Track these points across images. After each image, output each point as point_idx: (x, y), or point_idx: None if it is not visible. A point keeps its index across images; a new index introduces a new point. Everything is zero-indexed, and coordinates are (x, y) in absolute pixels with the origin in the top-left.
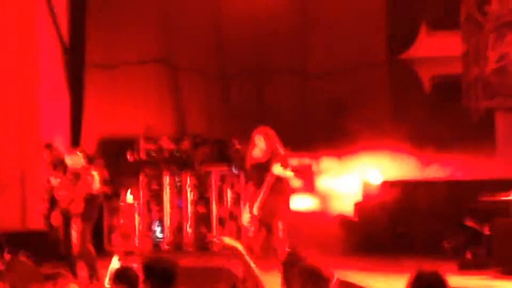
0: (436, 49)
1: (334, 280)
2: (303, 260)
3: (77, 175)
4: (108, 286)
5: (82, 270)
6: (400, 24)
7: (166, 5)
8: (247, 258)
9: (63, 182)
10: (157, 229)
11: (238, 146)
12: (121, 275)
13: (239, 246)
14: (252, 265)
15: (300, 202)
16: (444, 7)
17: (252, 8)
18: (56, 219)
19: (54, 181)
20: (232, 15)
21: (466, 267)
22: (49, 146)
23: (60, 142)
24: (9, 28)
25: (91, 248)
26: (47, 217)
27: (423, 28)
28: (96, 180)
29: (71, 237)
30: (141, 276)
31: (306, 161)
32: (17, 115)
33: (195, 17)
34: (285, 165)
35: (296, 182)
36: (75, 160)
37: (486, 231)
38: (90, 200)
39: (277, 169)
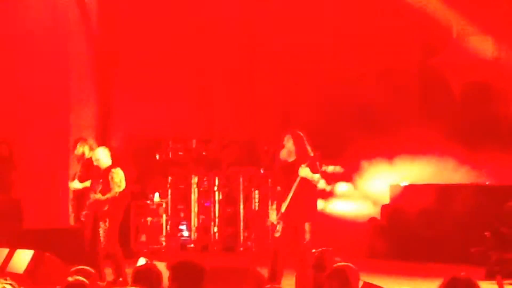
0: (467, 55)
1: (360, 284)
2: (331, 262)
3: (104, 174)
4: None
5: (108, 269)
6: (432, 29)
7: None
8: None
9: (91, 182)
10: (184, 229)
11: (266, 148)
12: (143, 274)
13: None
14: None
15: (329, 205)
16: (476, 12)
17: (284, 14)
18: (84, 218)
19: (80, 184)
20: (263, 20)
21: (493, 274)
22: (81, 142)
23: (91, 140)
24: (41, 28)
25: (118, 247)
26: (75, 216)
27: (454, 33)
28: (122, 179)
29: (98, 236)
30: (167, 276)
31: (336, 168)
32: (47, 115)
33: (227, 22)
34: (313, 168)
35: (323, 185)
36: (102, 158)
37: None
38: (117, 199)
39: (304, 171)
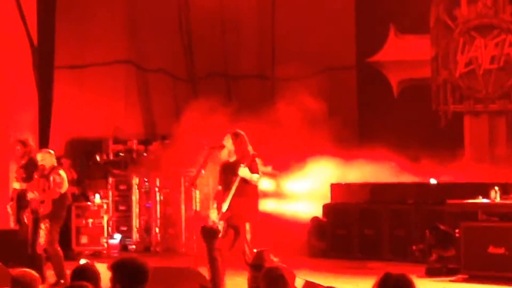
0: (405, 53)
1: (297, 282)
2: (269, 262)
3: (45, 175)
4: None
5: (50, 271)
6: (369, 28)
7: (135, 7)
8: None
9: (32, 182)
10: (125, 230)
11: (206, 148)
12: (81, 273)
13: None
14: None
15: (268, 205)
16: (413, 11)
17: (221, 12)
18: (25, 219)
19: (19, 185)
20: (200, 19)
21: (434, 272)
22: (23, 142)
23: (31, 140)
24: None
25: (58, 249)
26: (15, 217)
27: (392, 32)
28: (64, 180)
29: (39, 238)
30: (109, 277)
31: (269, 170)
32: None
33: (163, 20)
34: (253, 168)
35: (263, 185)
36: (46, 159)
37: (455, 235)
38: (58, 200)
39: (243, 171)
